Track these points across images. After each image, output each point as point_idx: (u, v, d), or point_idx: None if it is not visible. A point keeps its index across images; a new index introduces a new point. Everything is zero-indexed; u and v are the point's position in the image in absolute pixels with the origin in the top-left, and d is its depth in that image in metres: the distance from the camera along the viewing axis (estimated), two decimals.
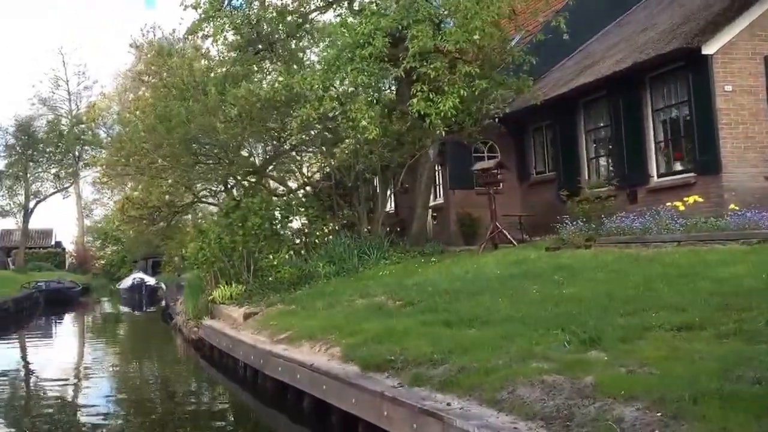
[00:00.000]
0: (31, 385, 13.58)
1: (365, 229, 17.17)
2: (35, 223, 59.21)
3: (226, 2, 16.46)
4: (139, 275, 36.27)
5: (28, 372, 15.19)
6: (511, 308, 8.17)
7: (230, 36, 16.64)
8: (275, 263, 14.99)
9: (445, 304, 9.25)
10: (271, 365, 9.25)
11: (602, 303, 7.58)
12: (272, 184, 20.30)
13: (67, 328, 27.23)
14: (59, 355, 18.08)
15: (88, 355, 18.32)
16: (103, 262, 60.31)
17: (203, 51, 16.65)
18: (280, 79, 15.79)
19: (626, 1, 20.50)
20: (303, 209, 17.03)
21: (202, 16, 16.31)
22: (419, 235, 18.06)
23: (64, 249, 64.90)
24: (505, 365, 5.93)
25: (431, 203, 19.96)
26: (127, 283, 37.30)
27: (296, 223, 17.92)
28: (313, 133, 16.82)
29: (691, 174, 13.64)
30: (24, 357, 17.79)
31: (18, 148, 46.63)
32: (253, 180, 18.89)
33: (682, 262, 9.01)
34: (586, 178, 16.67)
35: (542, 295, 8.69)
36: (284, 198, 17.14)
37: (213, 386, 12.56)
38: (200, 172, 18.25)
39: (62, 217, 78.18)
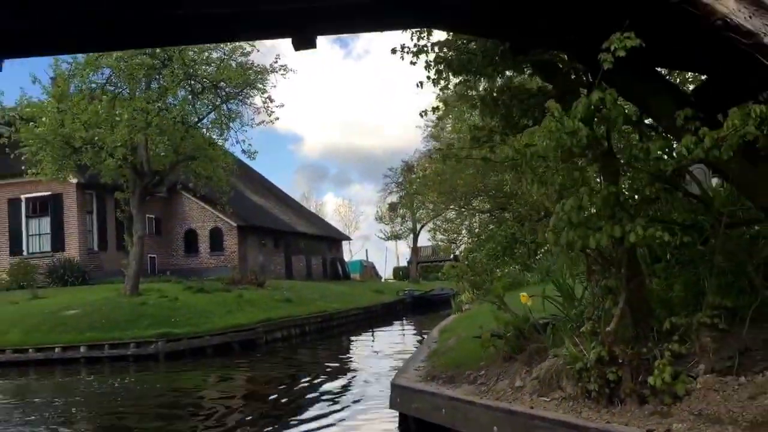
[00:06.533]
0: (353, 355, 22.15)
1: None
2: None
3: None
4: None
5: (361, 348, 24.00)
6: None
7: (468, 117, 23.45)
8: (499, 275, 21.24)
9: None
10: None
11: None
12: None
13: (412, 322, 33.80)
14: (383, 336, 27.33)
15: (407, 335, 27.10)
16: None
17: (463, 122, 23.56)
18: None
19: None
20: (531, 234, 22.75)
21: (444, 107, 23.26)
22: None
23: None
24: None
25: None
26: None
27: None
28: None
29: None
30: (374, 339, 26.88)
31: (405, 184, 59.00)
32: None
33: None
34: None
35: None
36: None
37: None
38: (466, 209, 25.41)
39: None
